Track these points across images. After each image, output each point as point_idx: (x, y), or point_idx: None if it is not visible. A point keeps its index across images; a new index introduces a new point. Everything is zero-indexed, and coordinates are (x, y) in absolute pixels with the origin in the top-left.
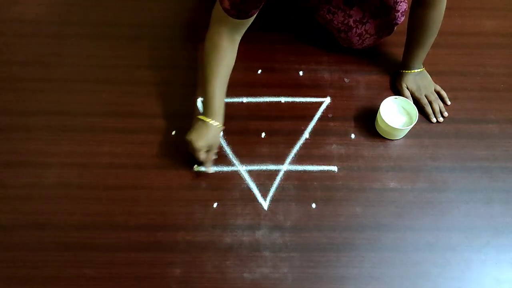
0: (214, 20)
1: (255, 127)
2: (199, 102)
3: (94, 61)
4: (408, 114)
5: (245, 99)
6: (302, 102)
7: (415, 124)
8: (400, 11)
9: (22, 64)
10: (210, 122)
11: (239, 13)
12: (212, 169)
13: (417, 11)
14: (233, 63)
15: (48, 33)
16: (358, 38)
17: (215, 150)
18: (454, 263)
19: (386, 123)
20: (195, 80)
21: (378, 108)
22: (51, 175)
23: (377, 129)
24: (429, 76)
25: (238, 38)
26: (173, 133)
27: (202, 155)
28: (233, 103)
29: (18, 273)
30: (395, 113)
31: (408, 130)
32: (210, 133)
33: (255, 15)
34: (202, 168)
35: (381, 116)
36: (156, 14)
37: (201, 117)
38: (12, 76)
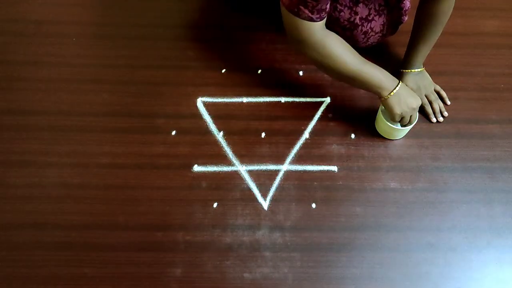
0: (304, 34)
1: (255, 127)
2: (199, 102)
3: (95, 61)
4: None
5: (245, 99)
6: (302, 102)
7: (415, 124)
8: (404, 9)
9: (22, 64)
10: (400, 83)
11: (320, 14)
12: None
13: (427, 3)
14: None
15: (48, 33)
16: (363, 36)
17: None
18: (454, 263)
19: (386, 123)
20: (195, 80)
21: (378, 108)
22: (51, 175)
23: (377, 129)
24: (429, 76)
25: (324, 25)
26: (173, 133)
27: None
28: (233, 103)
29: (19, 272)
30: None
31: (408, 130)
32: (408, 90)
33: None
34: (199, 168)
35: (381, 116)
36: (157, 14)
37: (393, 91)
38: (12, 76)
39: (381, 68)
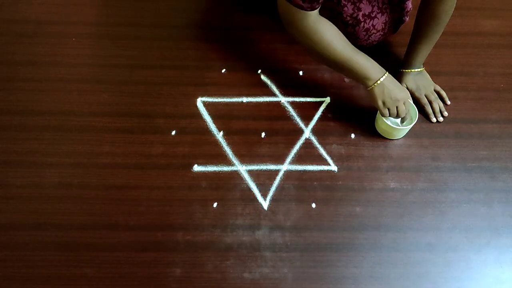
0: (295, 18)
1: (255, 127)
2: (199, 102)
3: (95, 61)
4: (408, 113)
5: (245, 99)
6: (302, 102)
7: (415, 124)
8: (405, 10)
9: (22, 64)
10: (386, 74)
11: (311, 4)
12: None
13: (429, 3)
14: (337, 28)
15: (48, 33)
16: (364, 33)
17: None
18: (454, 263)
19: (386, 123)
20: (195, 80)
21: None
22: (52, 175)
23: (377, 129)
24: (428, 76)
25: (318, 13)
26: (173, 133)
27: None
28: (233, 103)
29: (19, 272)
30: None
31: (408, 130)
32: (394, 82)
33: None
34: (199, 168)
35: (380, 116)
36: (157, 14)
37: (378, 81)
38: (12, 76)
39: (370, 59)
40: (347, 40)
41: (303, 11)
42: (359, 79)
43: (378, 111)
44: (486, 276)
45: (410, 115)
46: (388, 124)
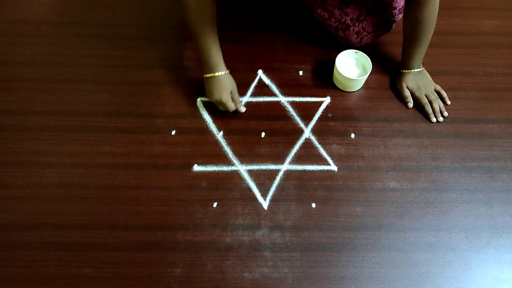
0: None
1: (255, 127)
2: (199, 102)
3: (94, 61)
4: (363, 66)
5: (245, 99)
6: (302, 102)
7: (415, 124)
8: (397, 8)
9: (22, 64)
10: (218, 74)
11: None
12: (243, 107)
13: (410, 9)
14: (215, 7)
15: (48, 33)
16: (356, 36)
17: (236, 92)
18: (454, 263)
19: (341, 74)
20: (195, 80)
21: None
22: (52, 175)
23: (335, 82)
24: (429, 75)
25: None
26: (173, 133)
27: (231, 104)
28: None
29: (19, 272)
30: (351, 66)
31: (363, 82)
32: (225, 82)
33: None
34: (199, 168)
35: (337, 69)
36: (157, 14)
37: (208, 75)
38: (12, 76)
39: (218, 52)
40: (215, 30)
41: None
42: (202, 63)
43: (336, 66)
44: (486, 276)
45: (364, 66)
46: (346, 76)
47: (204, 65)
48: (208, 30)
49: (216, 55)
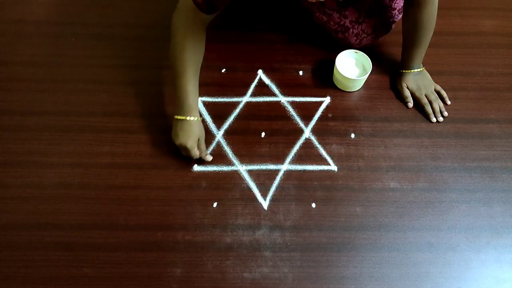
0: (182, 9)
1: (255, 127)
2: (199, 102)
3: (94, 61)
4: (363, 66)
5: (245, 99)
6: (302, 102)
7: (415, 124)
8: (397, 9)
9: (22, 64)
10: (190, 119)
11: (208, 8)
12: (209, 156)
13: (409, 11)
14: (203, 53)
15: (48, 33)
16: (355, 38)
17: (203, 140)
18: (454, 263)
19: (342, 74)
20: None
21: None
22: (52, 175)
23: (335, 82)
24: (429, 75)
25: (205, 27)
26: None
27: (196, 151)
28: (233, 103)
29: (19, 272)
30: (351, 66)
31: (364, 81)
32: (194, 128)
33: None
34: (199, 168)
35: (337, 69)
36: (157, 14)
37: (179, 117)
38: (12, 76)
39: (196, 96)
40: (197, 74)
41: (198, 10)
42: (176, 103)
43: (336, 66)
44: (486, 276)
45: (364, 66)
46: (346, 77)
47: (178, 106)
48: (191, 72)
49: (192, 99)
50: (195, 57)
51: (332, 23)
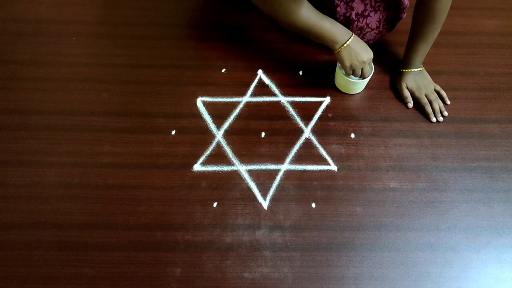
0: None
1: (255, 127)
2: (199, 102)
3: (95, 60)
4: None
5: (245, 99)
6: (302, 102)
7: (415, 124)
8: (402, 7)
9: (22, 63)
10: (351, 39)
11: None
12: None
13: (424, 1)
14: None
15: (48, 32)
16: (359, 32)
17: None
18: (454, 263)
19: (343, 76)
20: (195, 80)
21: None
22: (52, 174)
23: (336, 85)
24: (428, 75)
25: None
26: (173, 133)
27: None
28: (233, 103)
29: (19, 272)
30: None
31: (365, 84)
32: (360, 43)
33: None
34: (199, 167)
35: (338, 70)
36: (157, 14)
37: (342, 47)
38: (12, 76)
39: (335, 22)
40: (310, 5)
41: None
42: (326, 43)
43: (337, 68)
44: (486, 276)
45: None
46: (345, 77)
47: (336, 37)
48: (310, 8)
49: (335, 24)
50: (303, 2)
51: (338, 15)
